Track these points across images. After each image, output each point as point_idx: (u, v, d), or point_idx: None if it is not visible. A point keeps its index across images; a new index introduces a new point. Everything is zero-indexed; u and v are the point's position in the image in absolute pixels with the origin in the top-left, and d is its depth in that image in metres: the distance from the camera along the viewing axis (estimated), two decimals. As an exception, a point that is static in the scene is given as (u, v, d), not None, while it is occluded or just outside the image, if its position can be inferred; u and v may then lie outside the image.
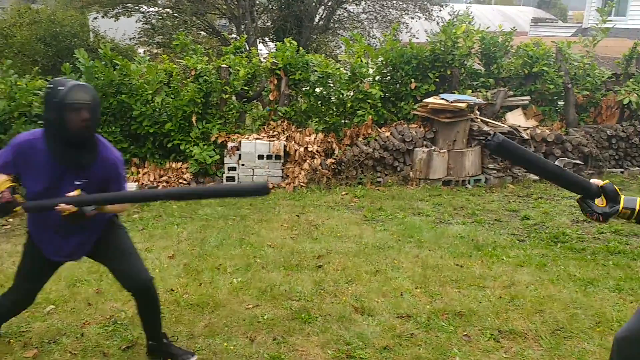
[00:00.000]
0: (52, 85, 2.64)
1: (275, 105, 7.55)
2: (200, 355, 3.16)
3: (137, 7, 16.15)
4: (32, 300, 3.05)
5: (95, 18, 15.70)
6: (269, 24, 17.70)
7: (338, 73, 7.59)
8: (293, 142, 7.22)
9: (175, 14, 15.76)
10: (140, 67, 7.23)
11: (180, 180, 6.98)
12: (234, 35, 15.79)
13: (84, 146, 2.70)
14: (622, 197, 1.95)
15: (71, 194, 2.63)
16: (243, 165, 7.09)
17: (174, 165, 7.15)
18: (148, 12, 16.32)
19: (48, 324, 3.50)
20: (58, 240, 2.87)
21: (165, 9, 15.83)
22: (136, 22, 16.27)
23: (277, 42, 8.91)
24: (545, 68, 8.14)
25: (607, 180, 1.98)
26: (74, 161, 2.69)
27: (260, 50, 15.92)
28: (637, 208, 1.93)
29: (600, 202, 1.95)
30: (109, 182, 2.80)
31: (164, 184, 6.88)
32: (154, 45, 16.18)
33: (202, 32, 17.42)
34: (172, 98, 7.15)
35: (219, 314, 3.65)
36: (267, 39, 17.28)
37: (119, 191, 2.85)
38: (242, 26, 15.60)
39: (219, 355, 3.14)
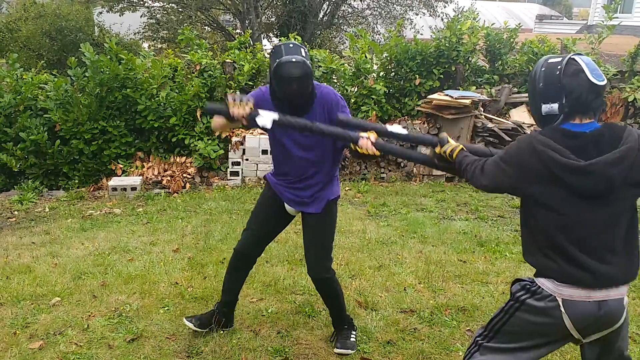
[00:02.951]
0: (275, 51, 2.77)
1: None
2: (204, 348, 3.18)
3: (141, 2, 16.23)
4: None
5: (100, 12, 15.77)
6: (273, 19, 17.73)
7: (342, 69, 7.59)
8: (297, 137, 7.22)
9: (180, 9, 15.82)
10: (145, 62, 7.25)
11: (184, 175, 7.00)
12: (238, 31, 15.81)
13: (299, 104, 2.84)
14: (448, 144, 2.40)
15: None
16: (247, 160, 7.11)
17: (178, 159, 7.18)
18: (153, 7, 16.39)
19: (53, 316, 3.53)
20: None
21: (170, 4, 15.88)
22: (141, 16, 16.34)
23: (282, 38, 8.90)
24: (550, 65, 8.12)
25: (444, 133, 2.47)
26: (290, 112, 2.80)
27: (265, 46, 15.98)
28: (446, 149, 2.37)
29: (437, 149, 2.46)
30: (332, 112, 2.89)
31: (168, 178, 6.90)
32: (159, 40, 16.25)
33: (206, 27, 17.47)
34: (176, 92, 7.16)
35: (224, 307, 3.66)
36: (271, 34, 17.31)
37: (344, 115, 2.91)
38: (247, 21, 15.63)
39: (223, 348, 3.16)
